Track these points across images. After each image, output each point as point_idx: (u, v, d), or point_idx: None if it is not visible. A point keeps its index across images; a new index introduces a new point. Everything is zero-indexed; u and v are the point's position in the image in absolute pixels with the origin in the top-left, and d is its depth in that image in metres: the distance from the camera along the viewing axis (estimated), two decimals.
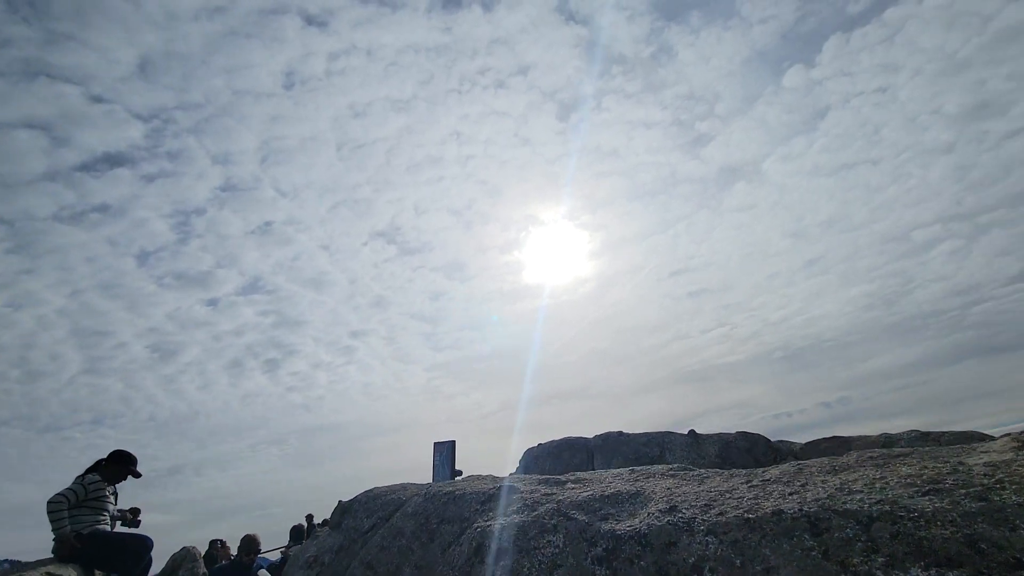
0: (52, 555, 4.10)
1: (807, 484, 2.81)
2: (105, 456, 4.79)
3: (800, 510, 2.48)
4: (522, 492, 4.60)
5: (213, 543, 10.49)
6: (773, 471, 3.26)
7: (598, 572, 2.91)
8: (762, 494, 2.89)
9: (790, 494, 2.72)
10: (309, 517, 16.77)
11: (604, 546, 3.03)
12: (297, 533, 12.10)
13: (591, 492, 3.84)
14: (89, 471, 4.59)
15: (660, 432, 10.28)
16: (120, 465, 4.75)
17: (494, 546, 3.68)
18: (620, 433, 11.09)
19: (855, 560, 2.08)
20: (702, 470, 3.90)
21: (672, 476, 3.85)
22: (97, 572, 4.30)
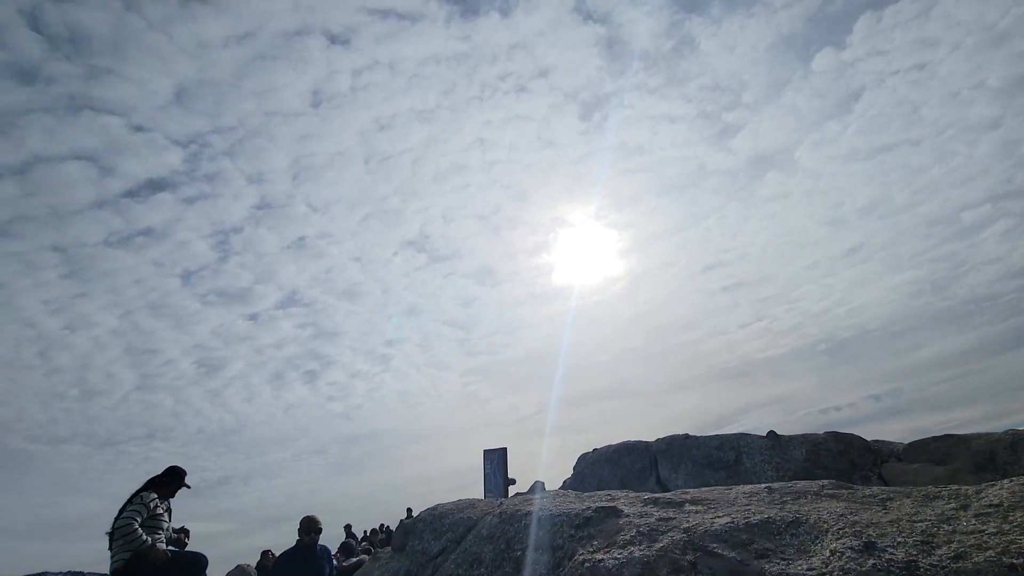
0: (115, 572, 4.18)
1: None
2: (159, 472, 4.82)
3: None
4: (629, 515, 3.96)
5: (264, 554, 10.60)
6: (995, 491, 2.52)
7: None
8: (1007, 527, 2.17)
9: None
10: (347, 527, 16.31)
11: None
12: (346, 548, 11.67)
13: (729, 519, 3.16)
14: (144, 488, 4.59)
15: (734, 434, 9.46)
16: (175, 481, 4.81)
17: None
18: (687, 436, 10.30)
19: None
20: (871, 488, 3.18)
21: (832, 496, 3.15)
22: None
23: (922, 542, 2.27)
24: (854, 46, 46.98)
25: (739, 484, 9.46)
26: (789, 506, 3.15)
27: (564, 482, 12.97)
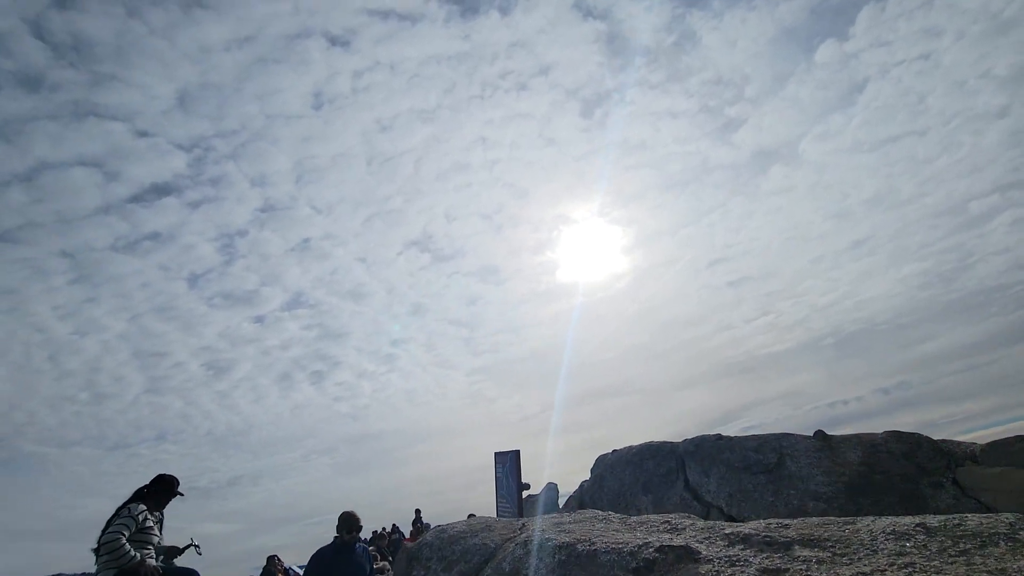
0: None
1: None
2: (148, 482, 4.60)
3: None
4: (711, 559, 2.96)
5: (271, 559, 10.47)
6: None
7: None
8: None
9: None
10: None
11: None
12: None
13: None
14: (132, 500, 4.36)
15: (775, 434, 8.49)
16: (165, 490, 4.57)
17: None
18: (719, 436, 9.34)
19: None
20: None
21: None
22: None
23: None
24: (857, 37, 45.89)
25: (783, 490, 8.53)
26: (977, 562, 2.14)
27: (581, 485, 12.01)
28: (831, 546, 2.68)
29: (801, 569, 2.49)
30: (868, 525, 2.78)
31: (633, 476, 10.66)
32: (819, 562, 2.53)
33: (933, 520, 2.65)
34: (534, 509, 12.80)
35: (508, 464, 10.63)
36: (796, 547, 2.77)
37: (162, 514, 4.84)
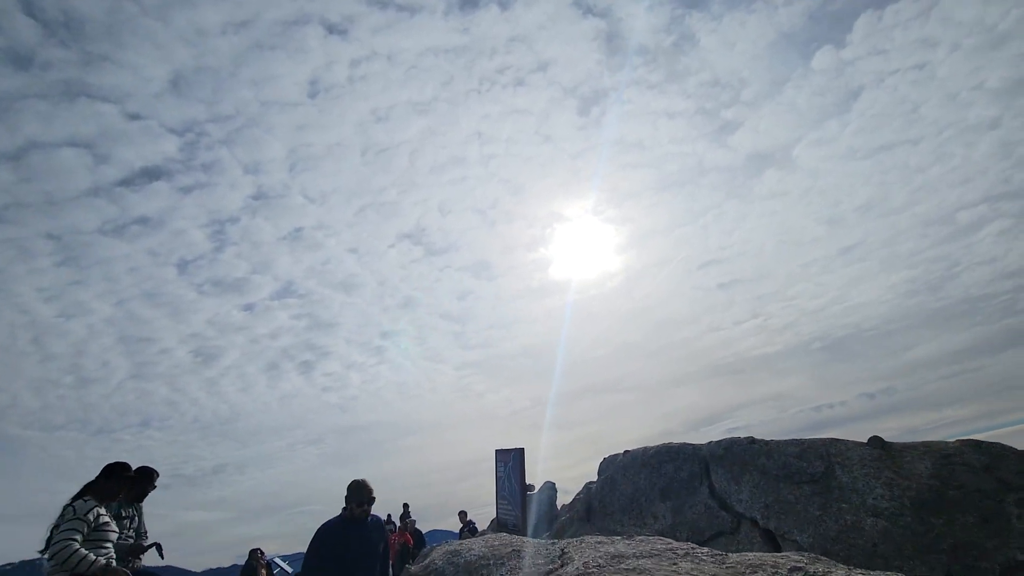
0: None
1: None
2: (98, 474, 4.16)
3: None
4: None
5: (253, 552, 10.33)
6: None
7: None
8: None
9: None
10: None
11: None
12: None
13: None
14: (79, 496, 3.92)
15: (822, 439, 7.53)
16: (111, 480, 4.07)
17: None
18: (751, 440, 8.36)
19: None
20: None
21: None
22: None
23: None
24: (854, 44, 45.79)
25: (832, 503, 7.58)
26: None
27: (587, 486, 10.97)
28: None
29: None
30: None
31: (649, 480, 9.65)
32: None
33: None
34: (529, 509, 11.79)
35: (511, 463, 9.53)
36: None
37: (139, 507, 4.66)
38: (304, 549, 4.20)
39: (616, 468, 10.39)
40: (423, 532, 13.84)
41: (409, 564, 8.07)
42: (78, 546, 3.56)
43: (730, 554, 3.06)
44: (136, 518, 4.68)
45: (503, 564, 3.85)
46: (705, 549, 3.30)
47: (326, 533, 4.17)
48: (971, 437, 6.34)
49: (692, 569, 2.91)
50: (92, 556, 3.54)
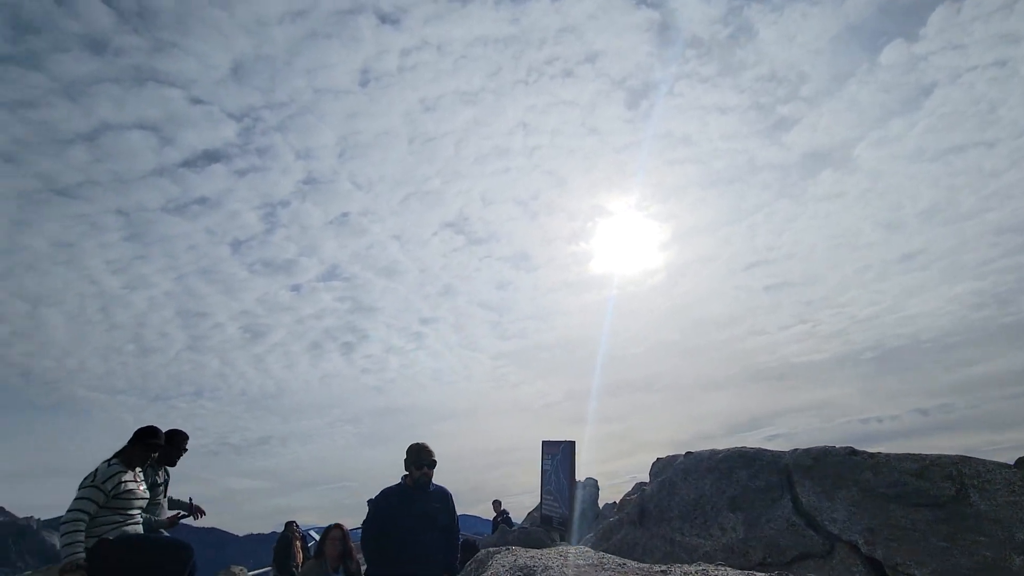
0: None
1: None
2: (132, 436, 4.08)
3: None
4: None
5: (288, 524, 10.32)
6: None
7: None
8: None
9: None
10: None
11: None
12: None
13: None
14: (107, 461, 3.84)
15: (950, 456, 6.18)
16: (141, 444, 3.95)
17: None
18: (851, 451, 7.05)
19: None
20: None
21: None
22: None
23: None
24: (928, 39, 41.99)
25: (963, 534, 6.26)
26: None
27: (639, 488, 9.86)
28: None
29: None
30: None
31: (716, 487, 8.46)
32: None
33: None
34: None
35: (560, 456, 8.57)
36: None
37: (167, 473, 4.59)
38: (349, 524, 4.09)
39: (675, 471, 9.20)
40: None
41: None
42: (78, 525, 3.56)
43: None
44: (167, 484, 4.66)
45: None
46: None
47: (383, 502, 4.00)
48: None
49: None
50: (77, 545, 3.51)
